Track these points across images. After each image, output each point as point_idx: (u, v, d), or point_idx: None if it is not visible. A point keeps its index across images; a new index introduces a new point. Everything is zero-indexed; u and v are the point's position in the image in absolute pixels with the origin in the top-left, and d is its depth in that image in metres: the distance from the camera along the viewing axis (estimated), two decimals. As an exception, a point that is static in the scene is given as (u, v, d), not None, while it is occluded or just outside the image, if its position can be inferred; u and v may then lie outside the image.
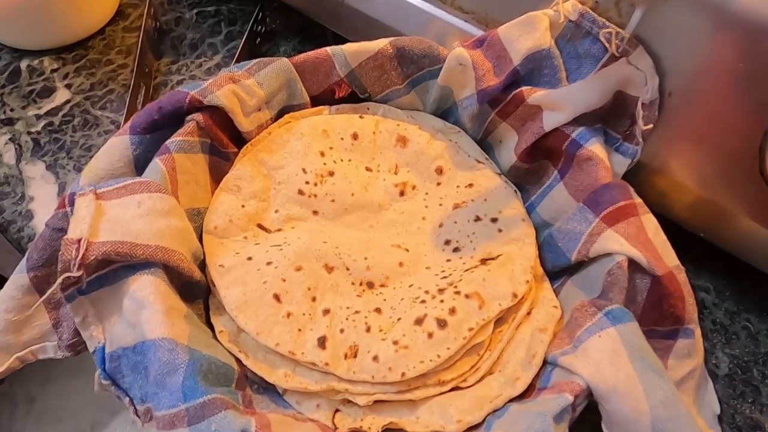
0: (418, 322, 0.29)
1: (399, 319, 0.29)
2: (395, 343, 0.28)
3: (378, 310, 0.30)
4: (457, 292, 0.30)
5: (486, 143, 0.38)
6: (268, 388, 0.29)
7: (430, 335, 0.28)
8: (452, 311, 0.29)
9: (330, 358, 0.28)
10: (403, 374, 0.27)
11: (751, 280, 0.38)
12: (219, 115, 0.33)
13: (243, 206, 0.33)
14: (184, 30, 0.52)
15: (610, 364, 0.25)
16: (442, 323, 0.28)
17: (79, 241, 0.25)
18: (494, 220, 0.34)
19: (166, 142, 0.31)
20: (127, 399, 0.26)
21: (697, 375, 0.31)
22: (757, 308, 0.39)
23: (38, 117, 0.46)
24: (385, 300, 0.31)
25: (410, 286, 0.32)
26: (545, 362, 0.28)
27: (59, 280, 0.25)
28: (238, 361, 0.28)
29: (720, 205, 0.34)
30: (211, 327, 0.30)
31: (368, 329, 0.29)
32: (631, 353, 0.25)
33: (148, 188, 0.28)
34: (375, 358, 0.28)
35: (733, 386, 0.36)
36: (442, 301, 0.29)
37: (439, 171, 0.36)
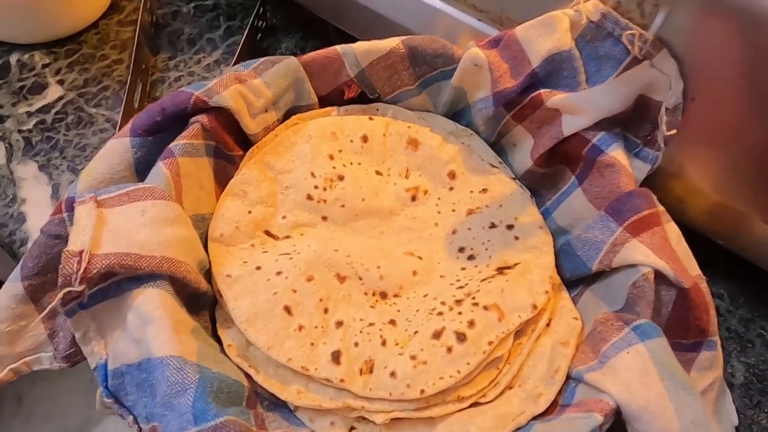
0: (436, 335, 0.28)
1: (416, 332, 0.28)
2: (413, 358, 0.27)
3: (392, 322, 0.29)
4: (476, 304, 0.29)
5: (499, 146, 0.37)
6: (279, 405, 0.27)
7: (449, 350, 0.27)
8: (471, 324, 0.28)
9: (345, 374, 0.26)
10: (422, 391, 0.26)
11: (765, 287, 0.38)
12: (224, 117, 0.31)
13: (249, 212, 0.32)
14: (181, 24, 0.50)
15: (641, 382, 0.24)
16: (461, 337, 0.27)
17: (80, 253, 0.24)
18: (510, 227, 0.33)
19: (170, 146, 0.29)
20: (131, 417, 0.25)
21: (716, 386, 0.30)
22: (772, 315, 0.38)
23: (29, 114, 0.44)
24: (399, 311, 0.30)
25: (425, 296, 0.30)
26: (568, 377, 0.27)
27: (60, 296, 0.23)
28: (248, 376, 0.27)
29: (738, 210, 0.33)
30: (218, 340, 0.28)
31: (384, 343, 0.28)
32: (662, 371, 0.24)
33: (152, 195, 0.27)
34: (392, 374, 0.27)
35: (749, 396, 0.36)
36: (460, 313, 0.28)
37: (452, 175, 0.35)
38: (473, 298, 0.29)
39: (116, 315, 0.25)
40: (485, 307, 0.28)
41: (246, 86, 0.32)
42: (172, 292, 0.26)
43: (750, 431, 0.34)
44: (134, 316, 0.24)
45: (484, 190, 0.34)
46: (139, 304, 0.24)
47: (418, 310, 0.29)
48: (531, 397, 0.27)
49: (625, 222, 0.29)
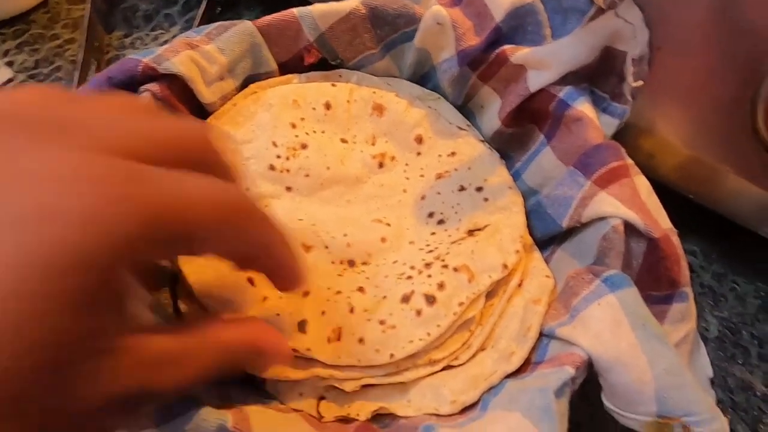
0: (405, 299, 0.27)
1: (384, 297, 0.27)
2: (382, 323, 0.26)
3: (361, 290, 0.28)
4: (445, 266, 0.28)
5: (467, 109, 0.36)
6: (245, 379, 0.26)
7: (419, 313, 0.26)
8: (440, 286, 0.27)
9: (312, 343, 0.26)
10: (391, 356, 0.25)
11: (736, 242, 0.38)
12: (177, 85, 0.30)
13: None
14: (136, 0, 0.48)
15: (612, 333, 0.23)
16: (430, 299, 0.27)
17: None
18: (479, 189, 0.32)
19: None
20: None
21: (690, 339, 0.30)
22: (744, 270, 0.39)
23: (-23, 98, 0.42)
24: (368, 278, 0.29)
25: (394, 262, 0.30)
26: (541, 335, 0.27)
27: None
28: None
29: (709, 163, 0.33)
30: (180, 315, 0.27)
31: (351, 310, 0.27)
32: (633, 321, 0.23)
33: None
34: (361, 341, 0.26)
35: (723, 348, 0.36)
36: (429, 276, 0.28)
37: (419, 140, 0.34)
38: (442, 260, 0.28)
39: None
40: (455, 269, 0.28)
41: (198, 52, 0.30)
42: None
43: (725, 383, 0.34)
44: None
45: (453, 154, 0.33)
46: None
47: (386, 276, 0.29)
48: (504, 356, 0.26)
49: (593, 175, 0.28)
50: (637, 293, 0.25)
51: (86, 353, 0.16)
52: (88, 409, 0.16)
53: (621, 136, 0.33)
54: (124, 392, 0.17)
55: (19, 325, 0.14)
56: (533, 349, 0.26)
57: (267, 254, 0.21)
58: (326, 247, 0.29)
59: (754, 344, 0.36)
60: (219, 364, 0.20)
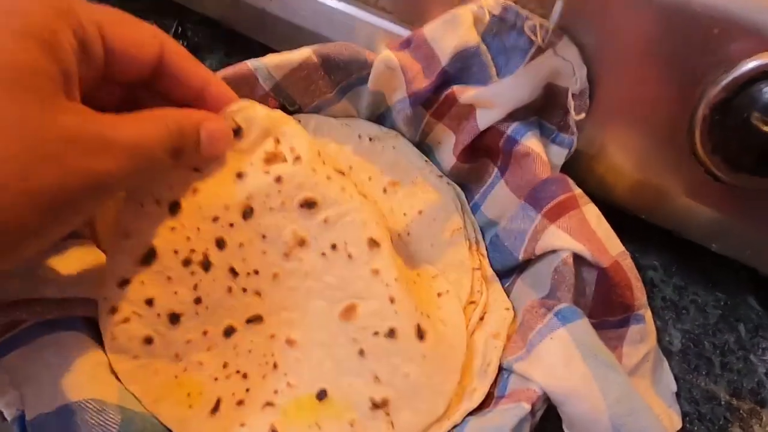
0: None
1: None
2: None
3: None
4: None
5: (425, 145, 0.37)
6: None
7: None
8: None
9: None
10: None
11: (694, 254, 0.39)
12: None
13: None
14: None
15: (564, 366, 0.24)
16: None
17: None
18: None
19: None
20: None
21: (651, 357, 0.31)
22: (703, 281, 0.40)
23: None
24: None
25: None
26: (501, 369, 0.28)
27: None
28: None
29: (657, 185, 0.35)
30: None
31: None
32: (584, 352, 0.24)
33: None
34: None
35: (687, 361, 0.37)
36: None
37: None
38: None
39: (30, 362, 0.24)
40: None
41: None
42: (90, 332, 0.25)
43: (690, 395, 0.35)
44: (48, 365, 0.23)
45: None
46: (53, 349, 0.24)
47: None
48: (466, 393, 0.27)
49: (543, 209, 0.29)
50: (587, 324, 0.26)
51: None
52: None
53: (574, 161, 0.34)
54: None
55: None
56: (495, 383, 0.27)
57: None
58: None
59: (716, 354, 0.37)
60: (166, 143, 0.22)
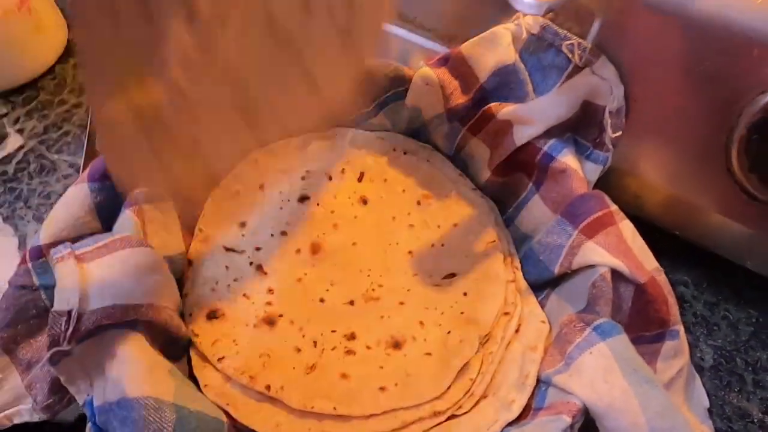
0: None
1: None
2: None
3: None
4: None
5: (459, 158, 0.38)
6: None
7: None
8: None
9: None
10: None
11: (726, 271, 0.39)
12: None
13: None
14: (138, 62, 0.50)
15: (604, 381, 0.25)
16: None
17: (69, 312, 0.24)
18: None
19: (135, 192, 0.30)
20: None
21: (684, 373, 0.32)
22: (735, 297, 0.40)
23: (-10, 167, 0.44)
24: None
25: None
26: (539, 381, 0.28)
27: (48, 355, 0.24)
28: (227, 413, 0.27)
29: (690, 202, 0.35)
30: (194, 380, 0.29)
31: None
32: (624, 367, 0.25)
33: (130, 243, 0.27)
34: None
35: (719, 377, 0.37)
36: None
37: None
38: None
39: (97, 354, 0.25)
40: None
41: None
42: (149, 338, 0.26)
43: (722, 411, 0.35)
44: (113, 357, 0.25)
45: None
46: (118, 346, 0.25)
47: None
48: (504, 404, 0.27)
49: (580, 225, 0.30)
50: (626, 339, 0.26)
51: None
52: None
53: (608, 177, 0.35)
54: None
55: None
56: (533, 395, 0.28)
57: None
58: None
59: (748, 371, 0.37)
60: None
